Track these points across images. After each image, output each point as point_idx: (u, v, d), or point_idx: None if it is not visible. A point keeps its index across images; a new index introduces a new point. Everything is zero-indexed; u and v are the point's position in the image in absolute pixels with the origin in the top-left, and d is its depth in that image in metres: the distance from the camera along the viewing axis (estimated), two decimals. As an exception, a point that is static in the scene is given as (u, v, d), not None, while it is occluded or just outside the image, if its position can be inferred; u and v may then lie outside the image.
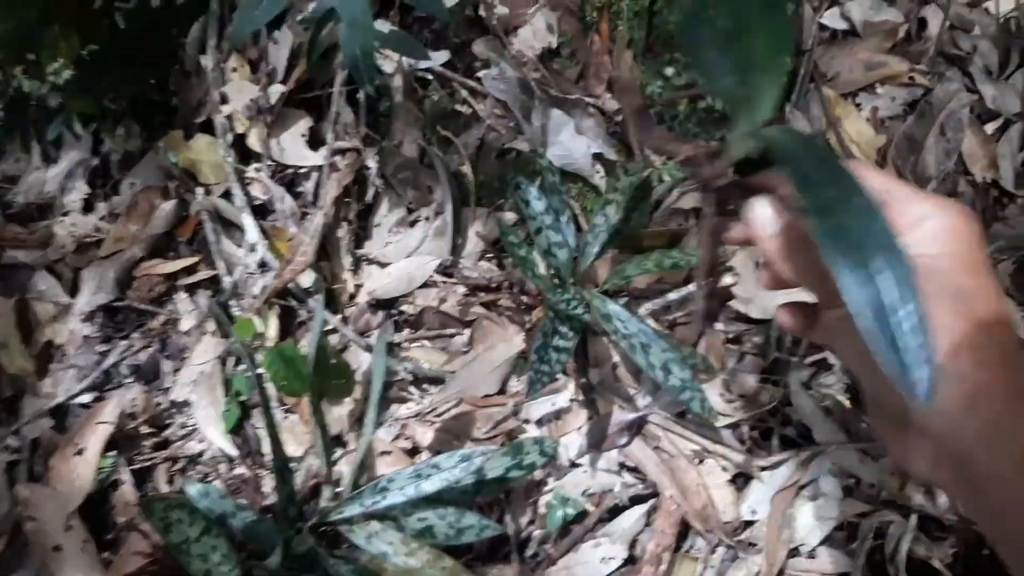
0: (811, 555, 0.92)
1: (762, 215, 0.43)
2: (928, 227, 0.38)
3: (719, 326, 1.02)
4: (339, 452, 0.95)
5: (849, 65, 1.09)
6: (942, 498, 0.92)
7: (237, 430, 0.94)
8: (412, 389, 0.97)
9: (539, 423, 0.97)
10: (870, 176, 0.41)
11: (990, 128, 1.10)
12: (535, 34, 1.00)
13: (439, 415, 0.96)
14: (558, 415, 0.97)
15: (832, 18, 1.11)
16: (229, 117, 1.02)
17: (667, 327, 1.02)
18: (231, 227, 1.02)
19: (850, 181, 0.31)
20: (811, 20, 1.09)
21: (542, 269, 0.93)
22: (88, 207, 1.07)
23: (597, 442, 0.96)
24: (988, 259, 0.39)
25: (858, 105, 1.09)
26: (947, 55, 1.11)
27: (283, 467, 0.76)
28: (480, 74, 1.00)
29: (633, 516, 0.94)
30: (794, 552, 0.92)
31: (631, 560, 0.93)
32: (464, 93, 1.00)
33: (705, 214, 0.49)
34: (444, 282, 1.00)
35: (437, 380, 0.97)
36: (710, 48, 0.32)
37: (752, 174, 0.45)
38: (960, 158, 1.08)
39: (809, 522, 0.92)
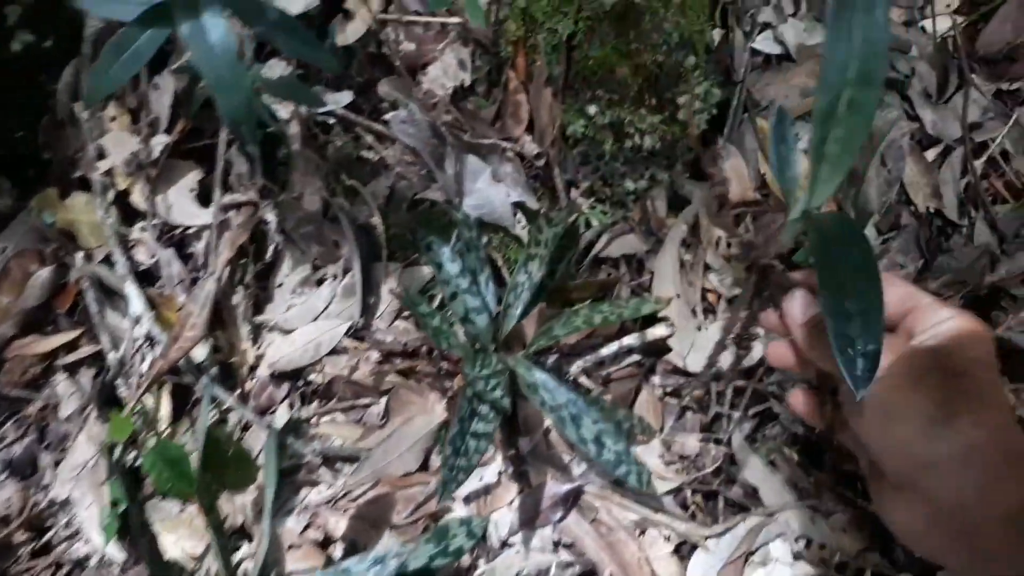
0: (761, 627, 0.86)
1: (798, 306, 0.51)
2: (947, 326, 0.44)
3: (656, 379, 0.95)
4: (244, 547, 0.86)
5: (784, 92, 1.03)
6: (898, 555, 0.87)
7: (126, 531, 0.84)
8: (323, 471, 0.88)
9: (466, 500, 0.88)
10: (898, 285, 0.49)
11: (931, 154, 1.05)
12: (446, 71, 0.91)
13: (354, 499, 0.87)
14: (486, 490, 0.89)
15: (765, 42, 1.04)
16: (108, 172, 0.91)
17: (601, 383, 0.94)
18: (115, 296, 0.92)
19: (876, 284, 0.36)
20: (743, 46, 1.03)
21: (461, 336, 0.85)
22: (-48, 276, 0.95)
23: (530, 518, 0.88)
24: (995, 359, 0.44)
25: (796, 136, 1.03)
26: (885, 79, 1.06)
27: (165, 590, 0.66)
28: (387, 116, 0.91)
29: (571, 598, 0.86)
30: (744, 630, 0.86)
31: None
32: (370, 138, 0.91)
33: (741, 298, 0.54)
34: (355, 347, 0.91)
35: (351, 459, 0.88)
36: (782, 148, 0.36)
37: (793, 265, 0.52)
38: (902, 187, 1.03)
39: (759, 592, 0.86)
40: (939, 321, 0.45)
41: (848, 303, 0.37)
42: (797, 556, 0.87)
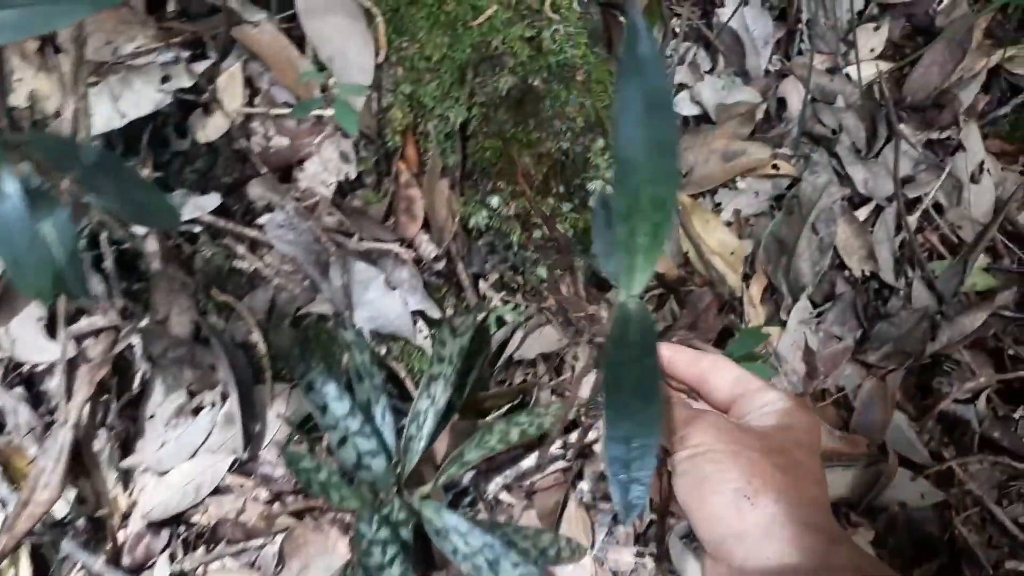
0: None
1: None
2: (775, 411, 0.48)
3: (584, 485, 0.87)
4: None
5: (704, 156, 0.95)
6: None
7: None
8: (214, 629, 0.78)
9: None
10: (728, 370, 0.51)
11: (863, 213, 0.99)
12: (326, 166, 0.81)
13: (251, 660, 0.77)
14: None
15: (682, 103, 0.96)
16: (-66, 303, 0.78)
17: (525, 497, 0.86)
18: (-44, 446, 0.79)
19: (655, 409, 0.36)
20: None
21: (360, 479, 0.75)
22: None
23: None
24: (817, 442, 0.48)
25: (718, 206, 0.95)
26: (812, 135, 0.99)
27: None
28: (261, 221, 0.80)
29: None
30: None
31: None
32: (243, 247, 0.80)
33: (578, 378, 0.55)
34: (241, 485, 0.80)
35: (246, 612, 0.78)
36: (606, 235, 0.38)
37: None
38: (835, 253, 0.96)
39: None
40: (767, 403, 0.48)
41: (627, 425, 0.36)
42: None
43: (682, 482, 0.47)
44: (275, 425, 0.82)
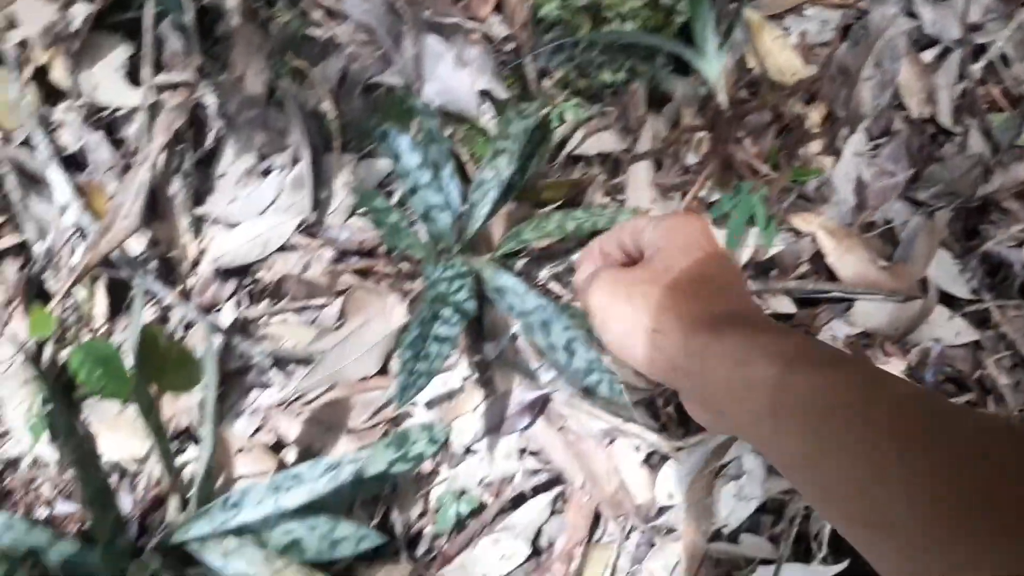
0: (733, 538, 0.84)
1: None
2: (653, 240, 0.51)
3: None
4: (190, 449, 0.81)
5: (774, -17, 0.95)
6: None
7: (56, 432, 0.78)
8: (274, 373, 0.82)
9: (428, 406, 0.84)
10: (628, 227, 0.54)
11: (928, 56, 0.99)
12: (406, -60, 0.82)
13: (308, 403, 0.82)
14: (449, 396, 0.84)
15: (760, -77, 0.96)
16: (23, 44, 0.81)
17: (573, 291, 0.89)
18: (39, 183, 0.83)
19: None
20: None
21: (422, 235, 0.78)
22: None
23: (495, 425, 0.84)
24: (705, 247, 0.50)
25: (786, 30, 0.96)
26: (886, -29, 0.98)
27: (100, 496, 0.61)
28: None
29: (537, 507, 0.83)
30: (716, 536, 0.84)
31: (536, 553, 0.83)
32: (318, 14, 0.82)
33: None
34: (307, 244, 0.84)
35: (304, 361, 0.83)
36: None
37: None
38: (896, 91, 0.97)
39: (731, 503, 0.84)
40: (648, 237, 0.52)
41: None
42: (771, 469, 0.85)
43: (607, 341, 0.51)
44: (341, 193, 0.85)
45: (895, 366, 0.93)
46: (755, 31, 0.92)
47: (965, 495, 0.31)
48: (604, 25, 0.84)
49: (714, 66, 0.85)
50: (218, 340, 0.81)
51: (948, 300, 0.95)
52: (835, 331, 0.93)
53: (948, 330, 0.94)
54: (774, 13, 0.96)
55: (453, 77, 0.82)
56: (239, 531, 0.73)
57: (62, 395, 0.75)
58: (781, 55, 0.93)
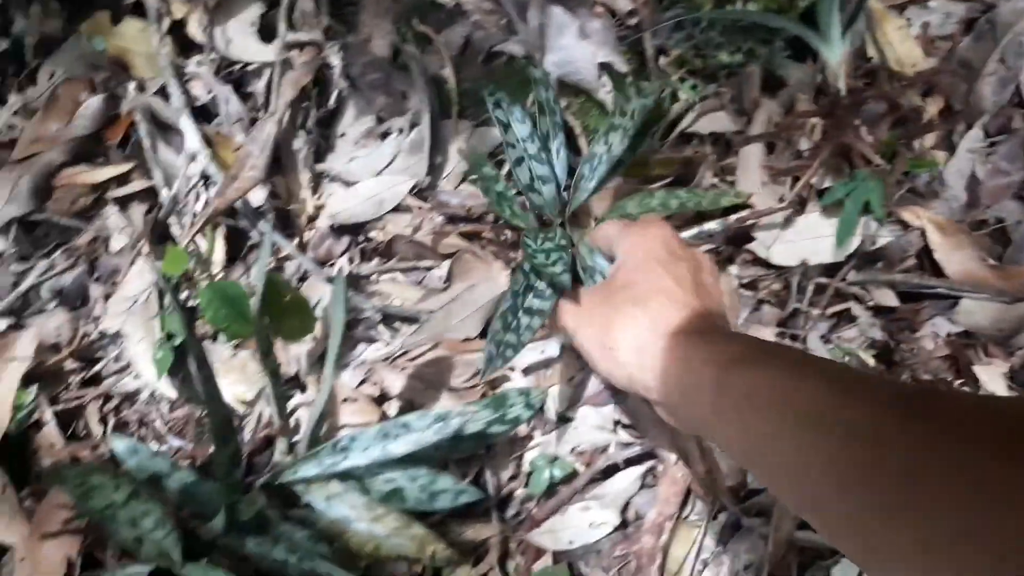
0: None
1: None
2: (622, 251, 0.58)
3: (733, 270, 0.90)
4: (296, 396, 0.83)
5: (905, -33, 0.94)
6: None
7: (179, 367, 0.82)
8: (381, 328, 0.85)
9: (526, 372, 0.85)
10: (604, 231, 0.66)
11: (1054, 53, 0.96)
12: (537, -90, 0.83)
13: (412, 359, 0.84)
14: (547, 364, 0.86)
15: (887, -90, 0.94)
16: (165, -3, 0.85)
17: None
18: (169, 131, 0.87)
19: None
20: (864, -89, 0.92)
21: (529, 206, 0.80)
22: (-1, 99, 0.90)
23: (590, 396, 0.85)
24: (680, 250, 0.56)
25: (908, 20, 0.94)
26: (1015, -38, 0.96)
27: (223, 427, 0.64)
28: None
29: (628, 478, 0.84)
30: (803, 524, 0.84)
31: (623, 525, 0.84)
32: (449, -20, 0.84)
33: None
34: (419, 207, 0.86)
35: (410, 319, 0.85)
36: None
37: None
38: (1018, 90, 0.94)
39: (819, 493, 0.84)
40: (621, 250, 0.59)
41: None
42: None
43: (584, 349, 0.57)
44: (455, 160, 0.87)
45: (996, 368, 0.91)
46: (877, 20, 0.91)
47: (879, 477, 0.32)
48: (727, 5, 0.84)
49: (836, 51, 0.84)
50: (330, 292, 0.84)
51: (1058, 305, 0.92)
52: (937, 328, 0.92)
53: (1056, 335, 0.92)
54: (897, 3, 0.94)
55: (575, 48, 0.83)
56: (343, 476, 0.76)
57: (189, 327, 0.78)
58: (902, 46, 0.91)
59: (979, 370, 0.90)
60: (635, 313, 0.51)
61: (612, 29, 0.84)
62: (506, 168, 0.85)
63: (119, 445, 0.71)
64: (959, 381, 0.91)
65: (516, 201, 0.78)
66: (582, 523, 0.84)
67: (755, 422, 0.39)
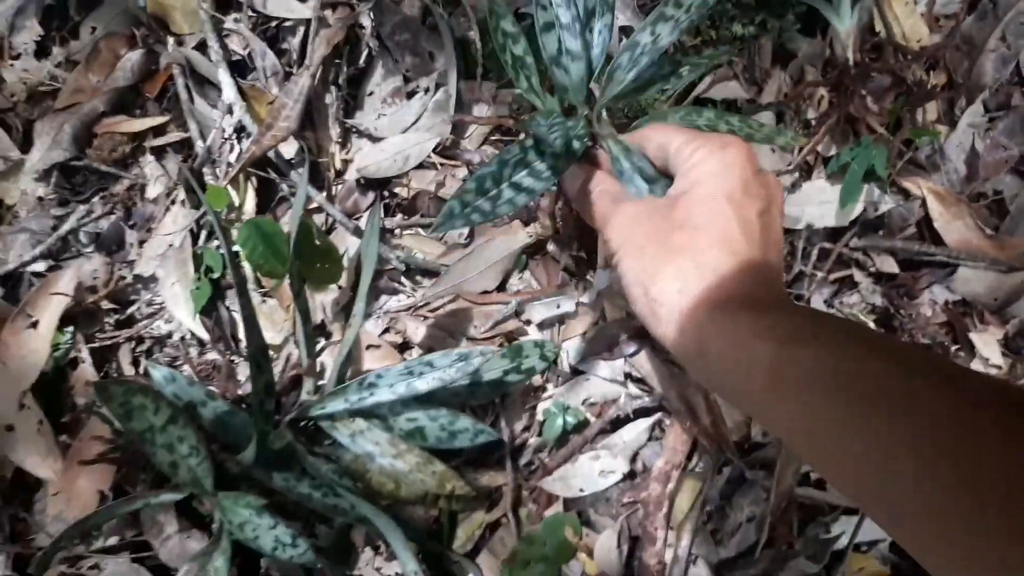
0: (820, 485, 0.88)
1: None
2: (698, 167, 0.48)
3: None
4: (322, 342, 0.87)
5: (910, -52, 0.98)
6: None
7: (209, 312, 0.86)
8: (404, 280, 0.88)
9: (541, 326, 0.89)
10: (656, 135, 0.53)
11: (1054, 35, 1.00)
12: None
13: (433, 310, 0.88)
14: (562, 319, 0.89)
15: None
16: (204, -45, 0.88)
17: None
18: (206, 84, 0.90)
19: None
20: None
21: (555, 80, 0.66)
22: (42, 51, 0.93)
23: (602, 349, 0.89)
24: (756, 186, 0.47)
25: (915, -2, 0.98)
26: (1018, -53, 1.00)
27: (260, 353, 0.68)
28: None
29: (637, 429, 0.88)
30: (804, 479, 0.88)
31: (631, 475, 0.88)
32: (478, -54, 0.87)
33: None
34: (443, 164, 0.89)
35: (432, 272, 0.89)
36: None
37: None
38: (1018, 68, 0.98)
39: (821, 446, 0.88)
40: (692, 162, 0.48)
41: None
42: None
43: (624, 281, 0.49)
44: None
45: (992, 335, 0.95)
46: (885, -4, 0.95)
47: (983, 486, 0.28)
48: (742, -23, 0.88)
49: (846, 23, 0.88)
50: (356, 244, 0.87)
51: (1052, 275, 0.96)
52: (935, 296, 0.96)
53: (1049, 304, 0.96)
54: (904, -18, 0.98)
55: None
56: (367, 415, 0.79)
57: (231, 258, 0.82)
58: (907, 21, 0.95)
59: (975, 337, 0.94)
60: (687, 268, 0.44)
61: (633, -4, 0.88)
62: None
63: (157, 373, 0.75)
64: (955, 347, 0.95)
65: (536, 73, 0.64)
66: (592, 472, 0.88)
67: (823, 405, 0.35)
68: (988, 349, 0.94)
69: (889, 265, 0.94)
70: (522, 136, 0.54)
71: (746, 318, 0.41)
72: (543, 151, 0.58)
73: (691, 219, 0.46)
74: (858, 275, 0.94)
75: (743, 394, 0.41)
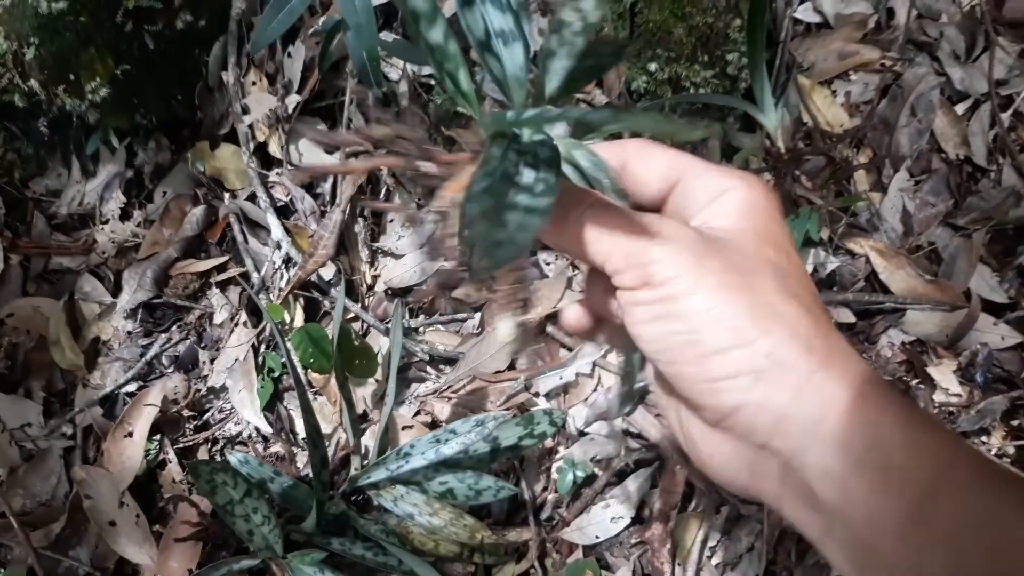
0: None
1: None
2: (728, 200, 0.36)
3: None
4: (364, 428, 1.03)
5: (823, 55, 1.17)
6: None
7: (270, 409, 1.03)
8: (429, 369, 1.05)
9: (548, 396, 1.05)
10: (659, 154, 0.40)
11: (960, 108, 1.17)
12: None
13: (455, 391, 1.04)
14: (565, 388, 1.05)
15: (805, 12, 1.19)
16: (250, 127, 1.11)
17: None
18: (257, 227, 1.11)
19: None
20: (784, 14, 1.17)
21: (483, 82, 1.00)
22: (125, 215, 1.16)
23: (602, 413, 1.04)
24: (790, 233, 0.37)
25: (833, 92, 1.17)
26: (916, 42, 1.19)
27: (315, 433, 0.84)
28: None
29: (639, 479, 1.01)
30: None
31: (639, 520, 1.01)
32: (466, 95, 1.09)
33: None
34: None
35: (451, 360, 1.05)
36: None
37: None
38: (933, 137, 1.16)
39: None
40: (717, 194, 0.37)
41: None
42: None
43: (653, 331, 0.34)
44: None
45: (947, 367, 1.08)
46: (807, 93, 1.14)
47: None
48: (683, 92, 1.08)
49: (772, 118, 1.07)
50: (387, 343, 1.05)
51: (992, 309, 1.09)
52: (892, 338, 1.10)
53: (994, 335, 1.09)
54: (823, 79, 1.17)
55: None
56: (405, 481, 0.95)
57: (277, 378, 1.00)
58: (830, 111, 1.14)
59: (932, 371, 1.07)
60: (802, 319, 0.34)
61: (593, 120, 1.08)
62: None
63: (233, 458, 0.91)
64: (916, 380, 1.08)
65: (464, 65, 0.44)
66: (604, 519, 1.01)
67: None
68: (946, 380, 1.07)
69: (846, 316, 1.09)
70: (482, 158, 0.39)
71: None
72: (523, 151, 0.39)
73: (752, 257, 0.34)
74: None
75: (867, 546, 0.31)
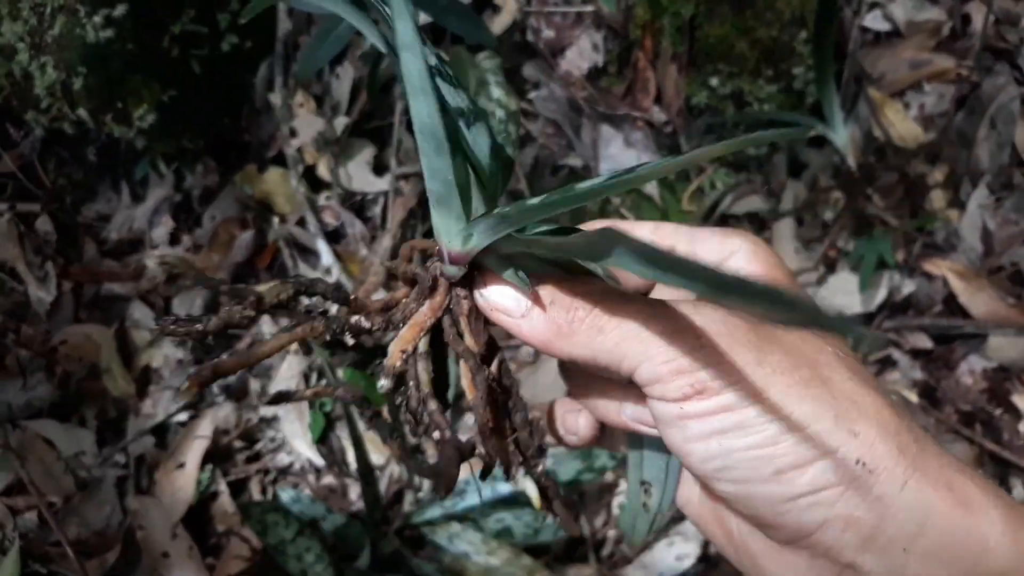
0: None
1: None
2: (739, 262, 0.33)
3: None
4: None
5: (894, 65, 1.11)
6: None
7: (322, 441, 1.01)
8: (482, 398, 1.02)
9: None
10: (636, 229, 0.37)
11: (1042, 117, 1.10)
12: (581, 54, 1.05)
13: (509, 422, 1.00)
14: (623, 418, 1.00)
15: (874, 20, 1.13)
16: (299, 150, 1.09)
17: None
18: (306, 252, 1.09)
19: None
20: (852, 23, 1.11)
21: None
22: (174, 240, 1.15)
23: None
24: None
25: (906, 104, 1.11)
26: (993, 49, 1.12)
27: (368, 471, 0.81)
28: (531, 96, 1.06)
29: (702, 513, 0.96)
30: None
31: (705, 558, 0.96)
32: (518, 114, 1.05)
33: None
34: (508, 295, 1.04)
35: (505, 388, 1.02)
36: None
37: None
38: (1014, 150, 1.09)
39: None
40: (732, 251, 0.34)
41: None
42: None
43: (712, 448, 0.29)
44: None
45: (1032, 396, 1.01)
46: (879, 106, 1.08)
47: None
48: (746, 108, 1.03)
49: (842, 135, 1.01)
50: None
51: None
52: (972, 365, 1.03)
53: (1083, 362, 1.02)
54: (895, 91, 1.11)
55: (622, 155, 1.02)
56: (461, 518, 0.91)
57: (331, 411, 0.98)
58: (902, 125, 1.08)
59: (1017, 399, 1.00)
60: (865, 395, 0.30)
61: (651, 138, 1.03)
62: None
63: (284, 495, 0.89)
64: (999, 410, 1.01)
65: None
66: (669, 556, 0.96)
67: None
68: (1033, 410, 1.00)
69: (923, 341, 1.03)
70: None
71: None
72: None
73: (812, 346, 0.30)
74: (896, 354, 1.03)
75: None
